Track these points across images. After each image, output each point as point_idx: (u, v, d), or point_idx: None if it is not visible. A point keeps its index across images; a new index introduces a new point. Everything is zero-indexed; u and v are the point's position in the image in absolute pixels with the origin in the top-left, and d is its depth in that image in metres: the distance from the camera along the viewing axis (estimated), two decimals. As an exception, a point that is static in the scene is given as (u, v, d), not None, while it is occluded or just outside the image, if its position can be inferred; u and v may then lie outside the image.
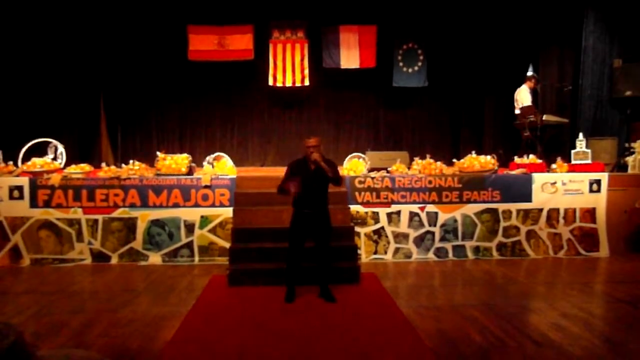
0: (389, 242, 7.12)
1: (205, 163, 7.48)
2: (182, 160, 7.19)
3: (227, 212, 6.87)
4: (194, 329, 4.30)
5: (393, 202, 7.14)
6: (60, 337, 4.09)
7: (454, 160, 7.85)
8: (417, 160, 7.67)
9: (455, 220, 7.19)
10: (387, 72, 10.70)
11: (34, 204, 6.87)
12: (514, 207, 7.24)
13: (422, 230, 7.16)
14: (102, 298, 5.33)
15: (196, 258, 6.88)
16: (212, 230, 6.88)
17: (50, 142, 7.65)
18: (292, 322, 4.47)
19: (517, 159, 7.87)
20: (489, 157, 7.65)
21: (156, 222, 6.90)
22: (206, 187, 6.92)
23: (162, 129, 11.07)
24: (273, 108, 11.22)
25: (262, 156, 11.17)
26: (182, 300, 5.09)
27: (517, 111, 9.03)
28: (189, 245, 6.88)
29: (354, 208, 7.04)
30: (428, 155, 7.72)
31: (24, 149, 7.40)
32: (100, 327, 4.34)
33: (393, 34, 10.68)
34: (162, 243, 6.90)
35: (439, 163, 7.59)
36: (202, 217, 6.90)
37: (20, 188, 6.87)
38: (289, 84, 10.45)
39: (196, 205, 6.92)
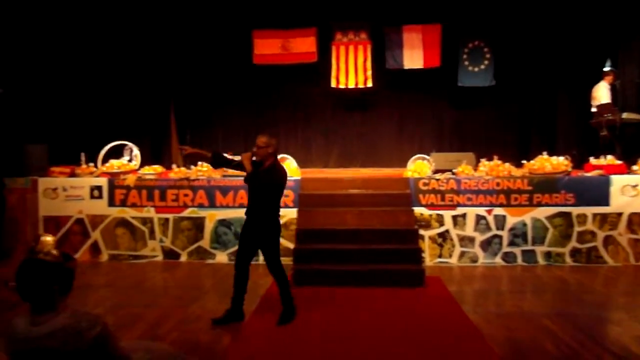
0: (454, 246, 6.95)
1: (270, 164, 7.62)
2: (247, 161, 7.36)
3: (291, 213, 6.96)
4: (259, 328, 4.40)
5: (458, 205, 6.96)
6: (136, 329, 4.32)
7: (524, 161, 7.54)
8: (483, 161, 7.44)
9: (525, 224, 6.90)
10: (452, 71, 10.44)
11: (111, 203, 7.31)
12: (589, 211, 6.84)
13: (489, 234, 6.93)
14: (173, 294, 5.58)
15: (260, 258, 6.99)
16: (277, 231, 6.99)
17: (126, 145, 8.09)
18: (356, 324, 4.46)
19: (593, 160, 7.44)
20: (562, 158, 7.29)
21: (223, 222, 7.12)
22: (271, 188, 7.05)
23: (227, 132, 11.38)
24: (336, 110, 11.25)
25: (325, 158, 11.23)
26: (247, 299, 5.19)
27: (593, 109, 8.53)
28: (254, 244, 7.03)
29: (417, 210, 6.93)
30: (495, 157, 7.46)
31: (103, 152, 7.87)
32: (172, 321, 4.54)
33: (458, 32, 10.41)
34: (228, 242, 7.11)
35: (507, 164, 7.33)
36: (266, 217, 7.03)
37: (99, 188, 7.33)
38: (351, 85, 10.45)
39: (261, 205, 7.05)
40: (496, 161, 7.35)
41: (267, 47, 10.46)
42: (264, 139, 4.47)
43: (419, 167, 7.48)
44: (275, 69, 10.61)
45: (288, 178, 7.02)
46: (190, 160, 7.43)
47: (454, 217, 6.96)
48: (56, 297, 1.93)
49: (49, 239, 2.02)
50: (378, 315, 4.69)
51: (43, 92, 8.86)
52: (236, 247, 6.93)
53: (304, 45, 10.32)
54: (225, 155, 5.09)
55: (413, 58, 10.35)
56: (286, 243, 6.95)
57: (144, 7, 9.77)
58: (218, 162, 5.01)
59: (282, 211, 6.90)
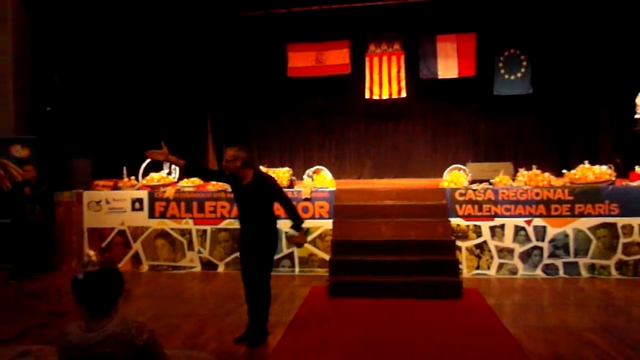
0: (492, 257, 6.81)
1: (305, 176, 7.70)
2: (283, 173, 7.45)
3: (327, 224, 6.99)
4: (297, 338, 4.42)
5: (496, 216, 6.84)
6: (175, 339, 4.41)
7: (564, 170, 7.35)
8: (522, 171, 7.29)
9: (567, 235, 6.71)
10: (487, 80, 10.30)
11: (151, 214, 7.51)
12: (635, 221, 6.59)
13: (529, 246, 6.77)
14: (211, 304, 5.68)
15: (297, 269, 7.07)
16: (312, 242, 7.03)
17: (165, 158, 8.29)
18: (392, 337, 4.42)
19: (638, 169, 7.18)
20: (604, 167, 7.07)
21: (259, 233, 7.18)
22: (306, 199, 7.11)
23: (263, 144, 11.54)
24: (370, 121, 11.26)
25: (359, 169, 11.24)
26: (285, 310, 5.25)
27: (637, 116, 8.26)
28: (290, 256, 7.10)
29: (454, 221, 6.84)
30: (534, 166, 7.31)
31: (143, 165, 8.11)
32: (211, 331, 4.62)
33: (493, 41, 10.28)
34: (265, 253, 7.16)
35: (546, 174, 7.16)
36: (302, 228, 7.07)
37: (140, 200, 7.55)
38: (385, 96, 10.44)
39: (296, 217, 7.10)
40: (535, 171, 7.19)
41: (301, 60, 10.59)
42: (231, 152, 4.25)
43: (455, 177, 7.38)
44: (309, 81, 10.73)
45: (322, 189, 7.17)
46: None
47: (492, 228, 6.83)
48: (116, 302, 2.02)
49: (91, 252, 2.11)
50: (415, 328, 4.64)
51: (86, 109, 9.23)
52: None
53: (337, 58, 10.41)
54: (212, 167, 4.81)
55: (447, 67, 10.27)
56: (321, 254, 6.98)
57: (181, 24, 10.07)
58: (191, 171, 4.70)
59: (318, 222, 7.04)
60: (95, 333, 1.93)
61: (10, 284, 6.73)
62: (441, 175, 8.01)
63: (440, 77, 10.34)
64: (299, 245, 4.44)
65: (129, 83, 9.99)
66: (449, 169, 7.93)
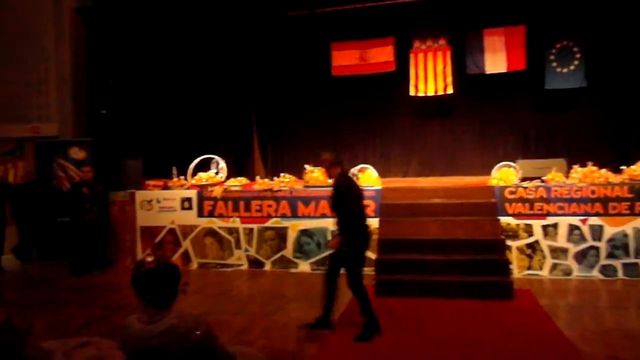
0: (544, 257, 6.58)
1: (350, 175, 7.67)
2: (328, 172, 7.46)
3: (373, 222, 6.89)
4: (344, 337, 4.41)
5: (549, 214, 6.60)
6: (225, 335, 4.48)
7: (623, 167, 7.00)
8: (576, 168, 7.00)
9: (626, 235, 6.39)
10: (538, 74, 9.94)
11: (200, 213, 7.70)
12: (702, 220, 6.21)
13: (584, 245, 6.49)
14: (258, 302, 5.77)
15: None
16: (358, 241, 7.00)
17: (213, 158, 8.50)
18: (441, 338, 4.35)
19: None
20: (668, 162, 6.69)
21: (305, 232, 7.25)
22: (351, 198, 7.08)
23: (307, 143, 11.56)
24: (415, 118, 11.10)
25: (404, 167, 11.10)
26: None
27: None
28: (335, 254, 7.09)
29: (504, 220, 6.65)
30: (590, 163, 7.00)
31: (192, 165, 8.32)
32: (258, 328, 4.69)
33: (544, 33, 9.90)
34: (311, 252, 7.22)
35: (603, 171, 6.84)
36: (347, 227, 7.06)
37: (189, 199, 7.76)
38: (431, 93, 10.26)
39: (342, 215, 7.11)
40: (590, 167, 6.89)
41: (345, 59, 10.56)
42: (322, 156, 4.76)
43: (504, 174, 7.18)
44: (353, 79, 10.69)
45: (368, 188, 7.12)
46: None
47: (544, 227, 6.60)
48: (175, 296, 2.09)
49: (149, 251, 2.22)
50: (464, 329, 4.55)
51: (138, 112, 9.57)
52: (318, 257, 7.13)
53: (381, 55, 10.31)
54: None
55: (495, 62, 9.98)
56: (368, 253, 6.92)
57: (227, 26, 10.27)
58: None
59: (363, 221, 6.98)
60: (154, 325, 2.01)
61: (69, 279, 7.08)
62: (489, 173, 7.81)
63: (488, 72, 10.05)
64: (330, 247, 4.68)
65: (178, 86, 10.28)
66: (498, 166, 7.71)
